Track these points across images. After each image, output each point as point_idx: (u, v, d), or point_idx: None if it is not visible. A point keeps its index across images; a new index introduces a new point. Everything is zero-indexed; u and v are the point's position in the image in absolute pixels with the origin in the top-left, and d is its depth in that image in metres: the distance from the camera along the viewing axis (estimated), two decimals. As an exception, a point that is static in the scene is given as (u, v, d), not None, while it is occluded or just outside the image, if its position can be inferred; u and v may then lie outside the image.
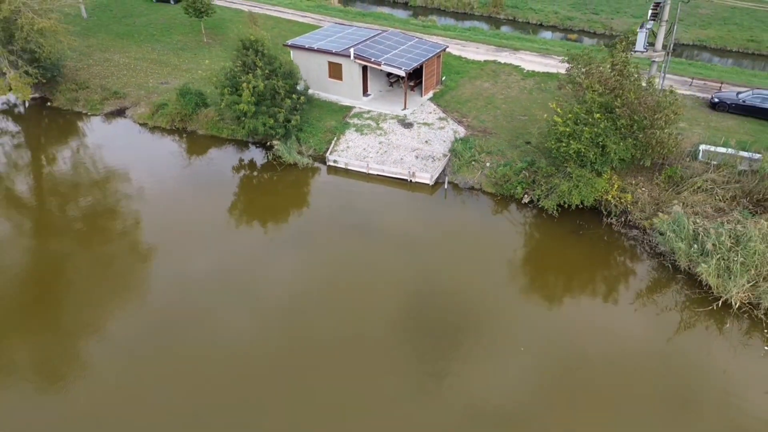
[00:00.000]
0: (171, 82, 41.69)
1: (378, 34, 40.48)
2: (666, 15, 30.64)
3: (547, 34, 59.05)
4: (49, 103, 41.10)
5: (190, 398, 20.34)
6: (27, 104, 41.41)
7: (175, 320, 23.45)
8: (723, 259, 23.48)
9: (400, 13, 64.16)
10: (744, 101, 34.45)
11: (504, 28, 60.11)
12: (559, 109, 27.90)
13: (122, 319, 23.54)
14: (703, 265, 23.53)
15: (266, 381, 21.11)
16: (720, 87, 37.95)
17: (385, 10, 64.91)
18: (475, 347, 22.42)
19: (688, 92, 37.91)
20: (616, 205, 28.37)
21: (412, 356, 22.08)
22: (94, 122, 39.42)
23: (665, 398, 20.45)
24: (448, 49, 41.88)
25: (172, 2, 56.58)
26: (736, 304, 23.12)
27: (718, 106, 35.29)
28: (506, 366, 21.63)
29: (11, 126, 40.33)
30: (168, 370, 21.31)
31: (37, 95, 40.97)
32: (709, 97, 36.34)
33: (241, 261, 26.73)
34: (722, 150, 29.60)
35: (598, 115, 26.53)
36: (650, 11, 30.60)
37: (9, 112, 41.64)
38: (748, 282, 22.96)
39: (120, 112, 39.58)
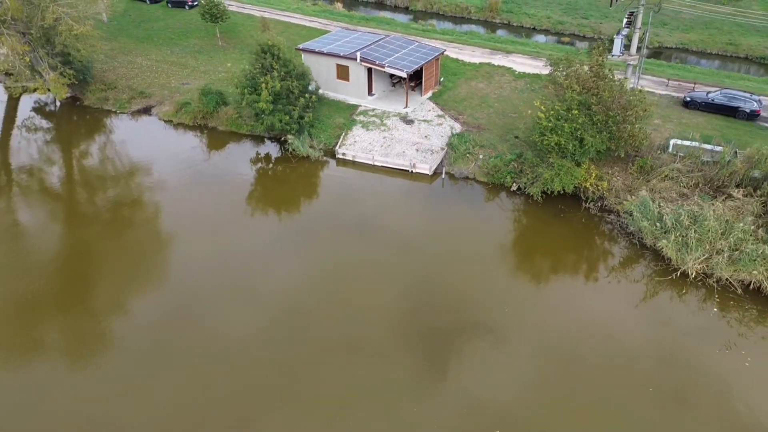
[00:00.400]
0: (191, 82, 45.56)
1: (381, 39, 44.33)
2: (639, 23, 34.44)
3: (540, 38, 62.87)
4: (79, 102, 44.97)
5: (207, 368, 24.07)
6: (59, 103, 45.28)
7: (192, 300, 26.69)
8: (681, 236, 27.28)
9: (401, 17, 67.95)
10: (713, 100, 38.26)
11: (500, 32, 63.95)
12: (542, 107, 31.73)
13: (143, 298, 26.91)
14: (663, 240, 27.33)
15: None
16: (693, 87, 41.75)
17: (387, 14, 68.75)
18: (465, 309, 26.20)
19: (664, 92, 41.76)
20: (593, 192, 32.18)
21: (412, 309, 25.89)
22: (122, 119, 43.30)
23: (635, 353, 24.25)
24: (446, 53, 45.69)
25: (148, 2, 60.77)
26: (692, 274, 26.92)
27: (690, 105, 39.10)
28: (495, 332, 25.41)
29: (45, 123, 44.19)
30: (185, 344, 24.47)
31: (68, 95, 44.76)
32: (683, 96, 40.10)
33: (260, 242, 30.54)
34: (689, 143, 33.42)
35: (576, 111, 30.35)
36: (625, 19, 34.42)
37: (42, 110, 45.53)
38: (702, 255, 26.73)
39: (146, 111, 43.45)
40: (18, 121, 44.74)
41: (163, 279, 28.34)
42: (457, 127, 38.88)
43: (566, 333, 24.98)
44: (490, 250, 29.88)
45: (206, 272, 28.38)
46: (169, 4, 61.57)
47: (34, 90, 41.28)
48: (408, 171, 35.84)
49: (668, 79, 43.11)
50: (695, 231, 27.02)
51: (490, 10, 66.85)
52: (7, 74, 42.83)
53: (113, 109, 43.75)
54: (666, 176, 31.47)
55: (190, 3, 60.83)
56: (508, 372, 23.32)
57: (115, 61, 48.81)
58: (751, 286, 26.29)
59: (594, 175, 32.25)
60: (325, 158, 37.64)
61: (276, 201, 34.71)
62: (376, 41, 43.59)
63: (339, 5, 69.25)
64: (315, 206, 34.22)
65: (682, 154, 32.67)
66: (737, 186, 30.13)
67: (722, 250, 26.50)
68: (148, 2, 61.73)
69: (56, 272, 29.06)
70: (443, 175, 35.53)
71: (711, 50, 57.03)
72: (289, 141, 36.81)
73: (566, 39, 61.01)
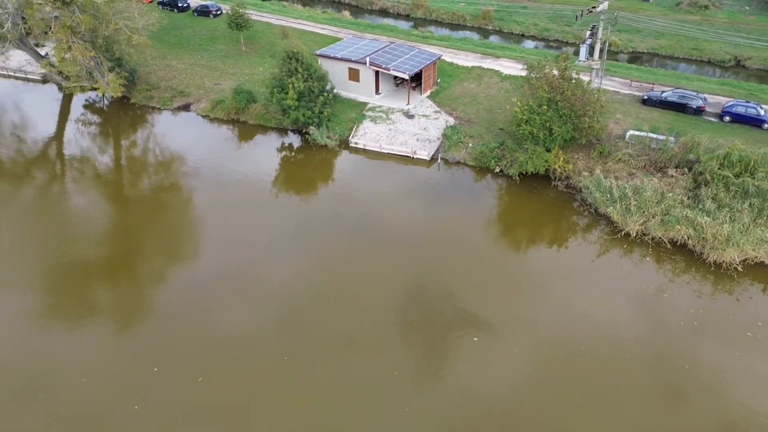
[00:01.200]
0: (222, 83, 53.21)
1: (387, 46, 51.96)
2: (600, 34, 42.07)
3: (529, 43, 70.51)
4: (126, 100, 52.56)
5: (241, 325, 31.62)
6: (109, 101, 52.89)
7: (223, 271, 33.06)
8: (625, 204, 34.83)
9: (403, 24, 75.55)
10: (666, 98, 45.86)
11: (492, 38, 71.55)
12: (518, 103, 39.31)
13: (180, 270, 33.80)
14: (611, 208, 34.90)
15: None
16: (652, 87, 49.32)
17: (390, 21, 76.41)
18: (451, 264, 33.74)
19: (628, 92, 49.35)
20: (561, 173, 39.73)
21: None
22: (164, 115, 50.99)
23: (587, 292, 31.83)
24: (442, 57, 53.34)
25: (176, 11, 67.96)
26: (633, 234, 34.46)
27: (647, 102, 46.67)
28: (475, 286, 32.95)
29: (97, 118, 51.87)
30: (218, 312, 30.77)
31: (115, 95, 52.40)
32: (642, 95, 47.65)
33: (287, 215, 38.13)
34: (642, 134, 40.95)
35: (545, 107, 37.94)
36: (588, 31, 42.06)
37: (93, 107, 53.17)
38: (641, 219, 34.28)
39: (185, 107, 51.13)
40: (72, 116, 52.38)
41: (194, 251, 35.19)
42: (451, 121, 46.46)
43: (536, 277, 32.55)
44: (476, 218, 37.46)
45: (235, 245, 35.46)
46: (195, 13, 69.18)
47: (93, 89, 49.00)
48: (410, 157, 43.42)
49: (631, 81, 50.70)
50: (636, 200, 34.57)
51: (483, 18, 74.47)
52: (65, 77, 50.39)
53: (157, 106, 51.44)
54: (619, 159, 39.05)
55: (214, 12, 68.54)
56: (482, 314, 30.86)
57: (154, 64, 56.32)
58: (678, 242, 33.82)
59: (561, 159, 39.79)
60: (339, 147, 45.21)
61: (299, 180, 42.35)
62: (382, 48, 51.22)
63: (346, 13, 77.00)
64: (332, 185, 41.84)
65: (634, 142, 40.23)
66: (676, 167, 37.67)
67: (656, 215, 34.04)
68: (176, 11, 69.36)
69: (105, 243, 35.95)
70: (439, 160, 43.09)
71: (678, 54, 64.63)
72: (311, 132, 44.47)
73: (553, 44, 68.67)
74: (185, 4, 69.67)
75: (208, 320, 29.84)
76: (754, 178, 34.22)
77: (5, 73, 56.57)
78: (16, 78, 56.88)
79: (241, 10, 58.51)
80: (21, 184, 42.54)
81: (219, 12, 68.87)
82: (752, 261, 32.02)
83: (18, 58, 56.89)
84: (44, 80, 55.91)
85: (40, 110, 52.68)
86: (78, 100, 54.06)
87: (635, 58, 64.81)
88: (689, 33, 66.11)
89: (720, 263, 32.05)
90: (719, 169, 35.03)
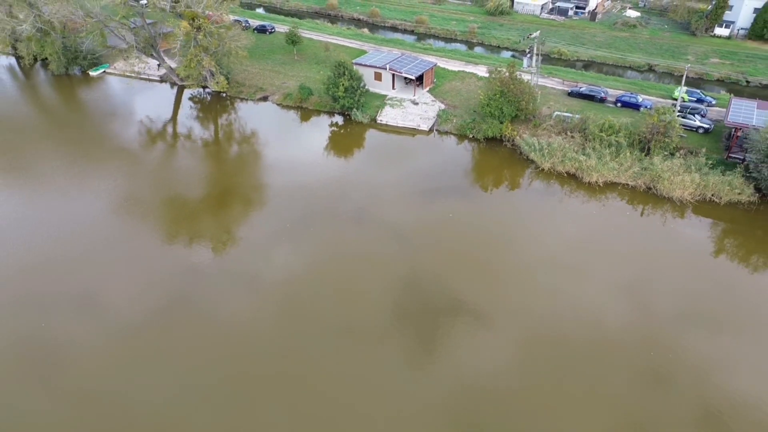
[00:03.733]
0: (287, 82, 79.38)
1: (399, 56, 78.12)
2: (536, 50, 68.25)
3: (506, 53, 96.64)
4: (223, 94, 78.68)
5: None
6: (209, 94, 79.00)
7: (288, 213, 60.29)
8: (542, 152, 60.81)
9: (409, 38, 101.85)
10: (581, 91, 71.86)
11: (477, 49, 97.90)
12: (483, 94, 65.45)
13: (254, 215, 59.94)
14: (533, 154, 60.94)
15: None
16: (577, 84, 75.32)
17: (399, 35, 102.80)
18: (442, 176, 59.67)
19: (561, 87, 75.44)
20: (509, 137, 65.65)
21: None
22: (250, 104, 77.16)
23: (516, 204, 57.91)
24: (437, 64, 79.38)
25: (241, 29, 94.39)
26: (546, 168, 60.42)
27: (571, 95, 72.69)
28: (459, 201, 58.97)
29: (202, 106, 77.89)
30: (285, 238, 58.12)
31: (216, 90, 78.49)
32: (568, 89, 73.66)
33: (338, 161, 64.24)
34: (561, 113, 66.91)
35: (498, 95, 63.95)
36: (527, 50, 68.25)
37: (198, 99, 79.25)
38: (550, 160, 60.25)
39: (264, 98, 77.35)
40: (184, 105, 78.51)
41: (264, 200, 61.01)
42: (442, 107, 72.50)
43: (489, 191, 58.49)
44: (458, 163, 63.43)
45: (291, 196, 61.81)
46: (255, 30, 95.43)
47: (203, 87, 75.20)
48: (415, 128, 69.42)
49: (563, 80, 76.81)
50: (548, 150, 60.58)
51: (469, 33, 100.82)
52: (181, 78, 76.48)
53: (245, 97, 77.70)
54: (544, 128, 65.06)
55: (269, 30, 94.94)
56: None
57: (238, 68, 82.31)
58: (569, 173, 59.69)
59: (510, 128, 65.73)
60: (370, 123, 71.21)
61: (345, 143, 68.36)
62: (396, 58, 77.36)
63: (365, 30, 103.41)
64: (366, 145, 67.84)
65: (557, 119, 66.22)
66: (576, 132, 63.53)
67: (559, 157, 59.99)
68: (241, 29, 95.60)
69: (209, 185, 62.24)
70: (435, 131, 69.08)
71: (609, 62, 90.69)
72: (352, 113, 70.62)
73: (519, 53, 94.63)
74: (247, 24, 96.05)
75: (284, 236, 55.98)
76: (617, 136, 60.18)
77: (133, 75, 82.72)
78: (140, 78, 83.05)
79: (295, 30, 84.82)
80: (152, 148, 68.40)
81: (273, 30, 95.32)
82: (608, 181, 57.93)
83: (140, 65, 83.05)
84: (162, 80, 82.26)
85: (161, 101, 78.92)
86: (186, 94, 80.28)
87: (586, 65, 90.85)
88: (619, 46, 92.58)
89: (590, 182, 57.99)
90: (599, 132, 61.00)
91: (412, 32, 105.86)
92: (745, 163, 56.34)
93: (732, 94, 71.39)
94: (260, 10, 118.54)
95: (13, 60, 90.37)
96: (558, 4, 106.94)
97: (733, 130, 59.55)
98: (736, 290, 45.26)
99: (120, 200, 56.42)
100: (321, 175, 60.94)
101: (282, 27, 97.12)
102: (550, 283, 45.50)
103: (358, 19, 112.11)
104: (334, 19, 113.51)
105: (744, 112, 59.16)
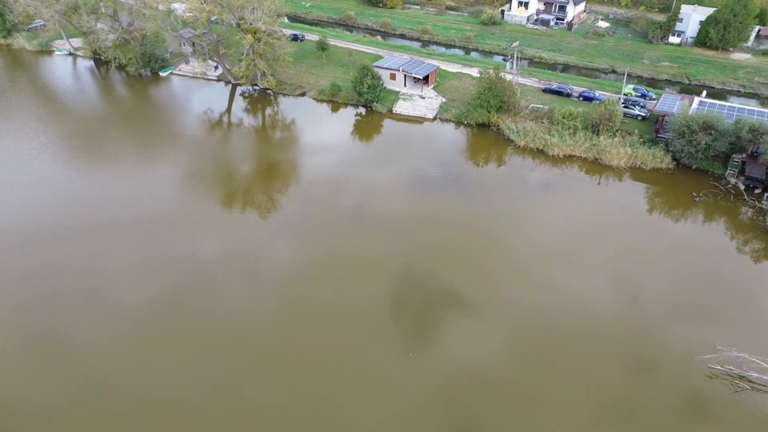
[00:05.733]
0: (320, 81, 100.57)
1: (409, 61, 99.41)
2: (516, 56, 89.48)
3: (496, 57, 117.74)
4: (268, 90, 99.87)
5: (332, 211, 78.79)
6: (257, 91, 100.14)
7: (319, 190, 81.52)
8: (519, 133, 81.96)
9: (416, 44, 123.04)
10: (552, 88, 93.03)
11: (473, 54, 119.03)
12: (474, 90, 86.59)
13: (291, 189, 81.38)
14: (513, 135, 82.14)
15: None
16: (549, 83, 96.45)
17: (407, 42, 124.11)
18: (442, 154, 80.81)
19: (537, 85, 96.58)
20: (494, 123, 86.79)
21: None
22: (291, 99, 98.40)
23: (499, 172, 79.15)
24: (440, 67, 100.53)
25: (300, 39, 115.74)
26: (522, 145, 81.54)
27: (545, 91, 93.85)
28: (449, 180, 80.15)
29: (251, 100, 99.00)
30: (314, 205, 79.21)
31: (263, 87, 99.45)
32: (542, 87, 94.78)
33: (363, 140, 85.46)
34: (536, 105, 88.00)
35: (487, 91, 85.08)
36: (509, 56, 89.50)
37: (248, 94, 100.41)
38: (525, 139, 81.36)
39: (302, 94, 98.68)
40: (237, 99, 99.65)
41: (297, 175, 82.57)
42: (444, 100, 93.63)
43: (479, 165, 79.65)
44: (454, 142, 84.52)
45: (321, 170, 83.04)
46: (290, 39, 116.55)
47: (254, 85, 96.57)
48: (423, 117, 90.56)
49: (539, 79, 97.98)
50: (523, 132, 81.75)
51: (466, 40, 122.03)
52: (236, 78, 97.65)
53: (287, 94, 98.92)
54: (522, 117, 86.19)
55: (300, 38, 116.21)
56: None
57: (279, 71, 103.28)
58: (538, 148, 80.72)
59: (496, 116, 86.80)
60: (387, 113, 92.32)
61: (368, 128, 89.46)
62: (407, 62, 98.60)
63: (379, 37, 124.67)
64: (384, 130, 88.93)
65: (531, 109, 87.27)
66: (546, 119, 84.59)
67: (531, 137, 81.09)
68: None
69: (255, 162, 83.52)
70: (438, 119, 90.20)
71: (580, 65, 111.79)
72: (374, 106, 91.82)
73: (509, 57, 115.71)
74: (282, 34, 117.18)
75: (317, 202, 77.13)
76: (575, 121, 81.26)
77: (195, 75, 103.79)
78: (201, 78, 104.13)
79: (324, 39, 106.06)
80: (212, 133, 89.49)
81: (303, 38, 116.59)
82: (566, 154, 79.00)
83: (198, 67, 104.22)
84: (218, 79, 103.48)
85: (218, 96, 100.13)
86: (238, 91, 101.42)
87: (563, 68, 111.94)
88: (589, 52, 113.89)
89: (553, 155, 79.05)
90: (561, 118, 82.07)
91: (418, 39, 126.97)
92: (666, 140, 77.43)
93: (671, 91, 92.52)
94: (285, 20, 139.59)
95: (92, 63, 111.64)
96: (541, 16, 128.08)
97: (660, 116, 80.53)
98: (653, 226, 66.22)
99: (188, 173, 76.83)
100: (352, 148, 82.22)
101: (309, 35, 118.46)
102: (519, 224, 66.68)
103: (372, 28, 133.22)
104: (351, 27, 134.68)
105: (669, 103, 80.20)
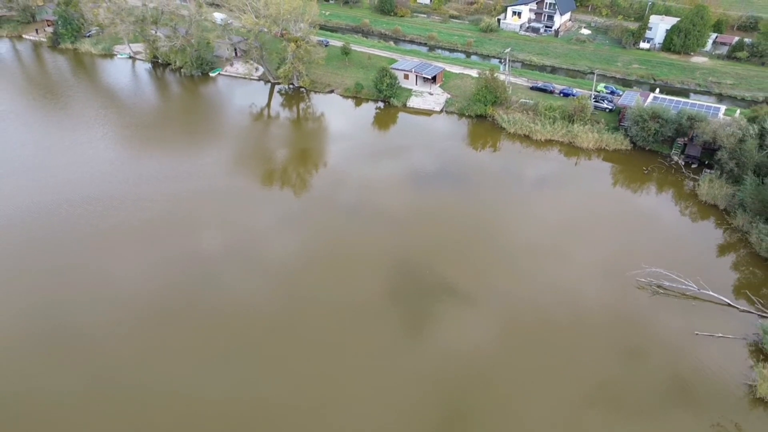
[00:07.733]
0: (345, 80, 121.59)
1: (420, 63, 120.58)
2: (508, 60, 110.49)
3: (493, 60, 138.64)
4: (302, 89, 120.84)
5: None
6: (291, 89, 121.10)
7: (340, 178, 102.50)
8: (511, 122, 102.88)
9: (423, 49, 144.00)
10: (538, 86, 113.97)
11: (473, 57, 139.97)
12: (474, 88, 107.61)
13: (317, 174, 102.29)
14: (505, 124, 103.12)
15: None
16: (536, 82, 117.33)
17: (415, 47, 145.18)
18: (447, 139, 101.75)
19: (526, 84, 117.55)
20: (491, 115, 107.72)
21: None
22: (321, 95, 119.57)
23: (492, 159, 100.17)
24: (445, 69, 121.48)
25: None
26: (511, 132, 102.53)
27: (533, 89, 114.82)
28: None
29: (287, 97, 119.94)
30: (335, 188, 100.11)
31: (297, 85, 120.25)
32: (530, 85, 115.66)
33: (382, 130, 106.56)
34: (524, 101, 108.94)
35: (484, 89, 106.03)
36: (502, 59, 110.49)
37: (284, 92, 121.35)
38: (516, 126, 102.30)
39: (331, 92, 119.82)
40: (275, 96, 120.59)
41: (323, 161, 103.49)
42: (449, 96, 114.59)
43: (477, 150, 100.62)
44: (457, 131, 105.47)
45: (340, 156, 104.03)
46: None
47: (290, 84, 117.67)
48: (432, 110, 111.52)
49: (528, 79, 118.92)
50: (513, 121, 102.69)
51: (467, 45, 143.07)
52: (276, 78, 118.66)
53: (318, 91, 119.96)
54: (512, 110, 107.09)
55: (325, 44, 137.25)
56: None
57: (312, 72, 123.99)
58: (525, 134, 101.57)
59: (491, 110, 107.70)
60: (402, 107, 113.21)
61: (387, 119, 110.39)
62: (418, 65, 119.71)
63: (391, 43, 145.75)
64: (401, 119, 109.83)
65: (521, 104, 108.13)
66: (531, 111, 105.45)
67: (517, 125, 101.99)
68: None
69: (289, 149, 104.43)
70: (444, 111, 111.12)
71: (565, 67, 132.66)
72: (391, 101, 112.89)
73: (503, 60, 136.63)
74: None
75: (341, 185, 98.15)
76: (555, 113, 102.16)
77: (239, 76, 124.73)
78: (245, 78, 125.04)
79: (348, 45, 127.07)
80: (253, 125, 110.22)
81: (328, 43, 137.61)
82: (547, 138, 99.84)
83: (243, 69, 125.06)
84: (259, 79, 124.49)
85: (259, 93, 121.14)
86: (276, 89, 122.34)
87: (550, 70, 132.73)
88: (572, 56, 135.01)
89: (537, 139, 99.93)
90: (544, 110, 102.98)
91: (425, 44, 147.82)
92: (626, 127, 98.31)
93: (635, 88, 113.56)
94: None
95: (149, 65, 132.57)
96: (532, 24, 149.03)
97: (622, 108, 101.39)
98: (613, 192, 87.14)
99: (234, 158, 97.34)
100: (377, 133, 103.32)
101: (332, 41, 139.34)
102: (503, 189, 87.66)
103: (385, 35, 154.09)
104: (366, 34, 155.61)
105: (629, 98, 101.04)
